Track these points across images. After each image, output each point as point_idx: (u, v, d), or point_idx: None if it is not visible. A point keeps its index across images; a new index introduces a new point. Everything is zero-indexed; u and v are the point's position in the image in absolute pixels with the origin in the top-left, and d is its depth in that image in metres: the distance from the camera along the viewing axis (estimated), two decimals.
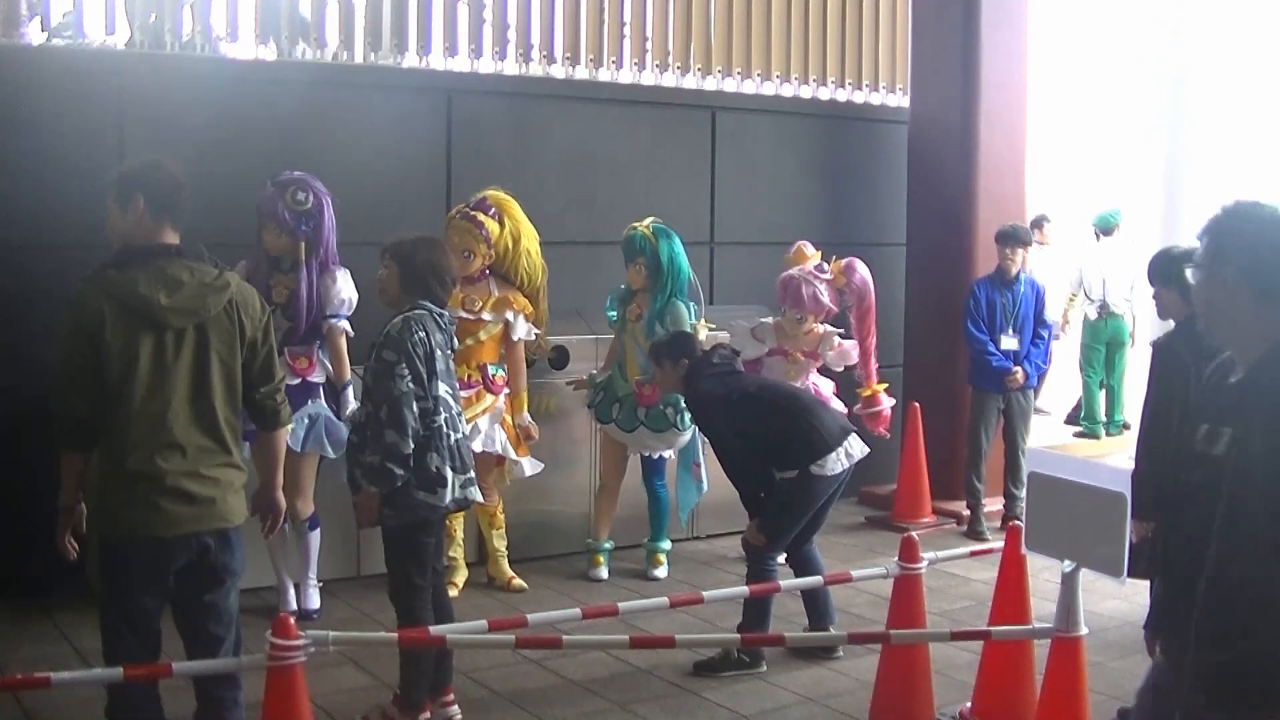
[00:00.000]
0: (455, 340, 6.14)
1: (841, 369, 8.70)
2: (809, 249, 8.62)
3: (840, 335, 8.61)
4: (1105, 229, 13.14)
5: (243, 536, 4.83)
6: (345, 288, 7.49)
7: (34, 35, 8.35)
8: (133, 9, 8.51)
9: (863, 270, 8.59)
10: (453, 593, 7.91)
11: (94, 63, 8.26)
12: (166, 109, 8.11)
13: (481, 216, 7.80)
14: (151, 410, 4.54)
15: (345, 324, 7.49)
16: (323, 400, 7.48)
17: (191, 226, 8.02)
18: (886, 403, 8.90)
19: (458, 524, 7.96)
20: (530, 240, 7.95)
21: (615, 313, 8.44)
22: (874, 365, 8.77)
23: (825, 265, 8.55)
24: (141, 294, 4.53)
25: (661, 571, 8.46)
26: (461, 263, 7.58)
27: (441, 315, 5.89)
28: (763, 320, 8.64)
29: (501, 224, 7.86)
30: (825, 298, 8.38)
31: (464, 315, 7.68)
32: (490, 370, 7.93)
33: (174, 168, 4.82)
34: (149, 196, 4.69)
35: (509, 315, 7.90)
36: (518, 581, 8.10)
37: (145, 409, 4.54)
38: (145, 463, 4.53)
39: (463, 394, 7.40)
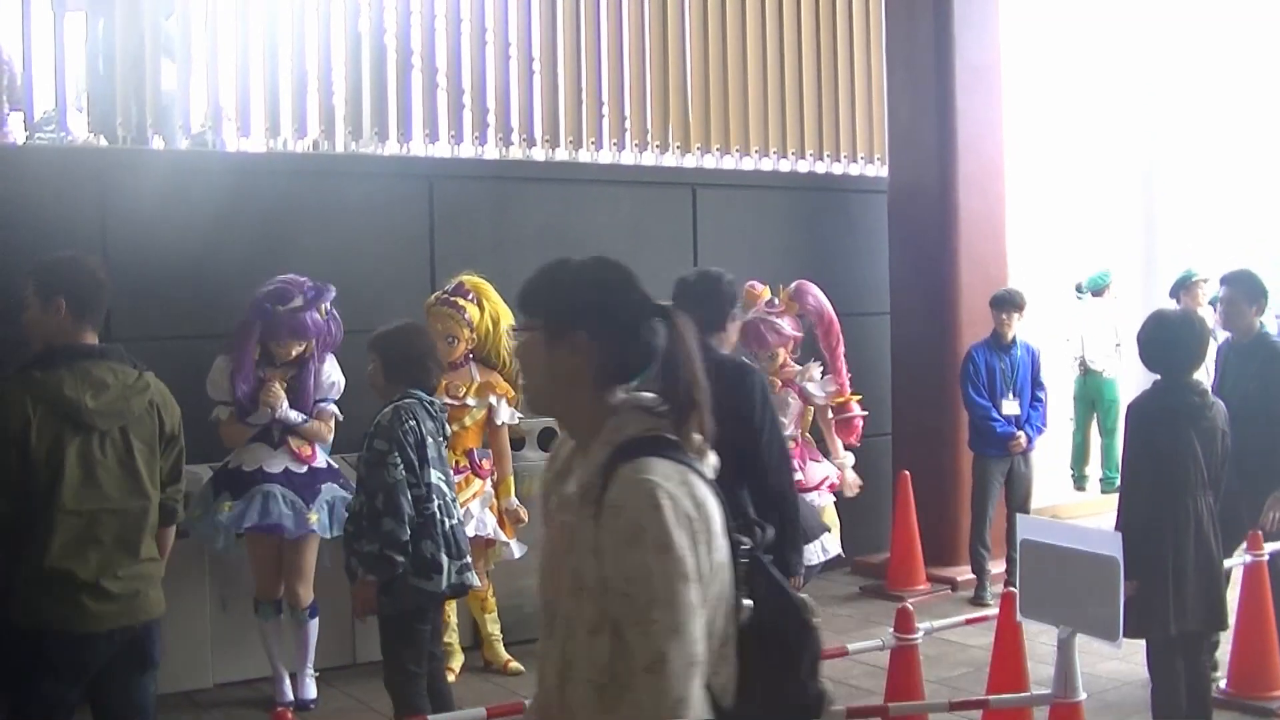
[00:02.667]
0: (447, 427, 6.17)
1: (824, 400, 8.80)
2: (757, 286, 8.89)
3: (820, 366, 8.95)
4: (1096, 290, 13.31)
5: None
6: (333, 372, 7.61)
7: (16, 133, 8.40)
8: (113, 106, 8.56)
9: (814, 291, 9.02)
10: (450, 678, 7.89)
11: (76, 159, 8.31)
12: (149, 204, 8.13)
13: (461, 301, 7.84)
14: (81, 510, 4.57)
15: (333, 408, 7.56)
16: (331, 483, 7.49)
17: (178, 317, 8.14)
18: (858, 411, 9.12)
19: (451, 609, 7.93)
20: (509, 321, 7.98)
21: None
22: (845, 376, 9.10)
23: (775, 299, 8.86)
24: (68, 396, 4.55)
25: None
26: (445, 348, 7.65)
27: (432, 403, 5.95)
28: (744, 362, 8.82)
29: (481, 308, 7.90)
30: (786, 329, 8.73)
31: (449, 401, 7.66)
32: (476, 455, 7.95)
33: (94, 264, 4.86)
34: (70, 298, 4.69)
35: (492, 400, 7.92)
36: (514, 664, 8.05)
37: (73, 509, 4.55)
38: (70, 561, 4.54)
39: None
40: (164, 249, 8.12)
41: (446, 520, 5.82)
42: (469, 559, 5.94)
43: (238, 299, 7.88)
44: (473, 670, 8.07)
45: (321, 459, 7.56)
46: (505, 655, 8.09)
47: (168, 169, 8.48)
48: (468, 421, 7.87)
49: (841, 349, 9.10)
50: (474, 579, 6.02)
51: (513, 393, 8.01)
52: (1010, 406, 9.60)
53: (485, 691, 7.53)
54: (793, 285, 8.96)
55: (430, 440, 5.83)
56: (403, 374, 5.90)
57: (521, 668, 8.00)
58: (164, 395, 4.87)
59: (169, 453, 4.86)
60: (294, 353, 7.46)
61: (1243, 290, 7.43)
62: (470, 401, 7.86)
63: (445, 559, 5.75)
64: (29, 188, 7.89)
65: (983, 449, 9.69)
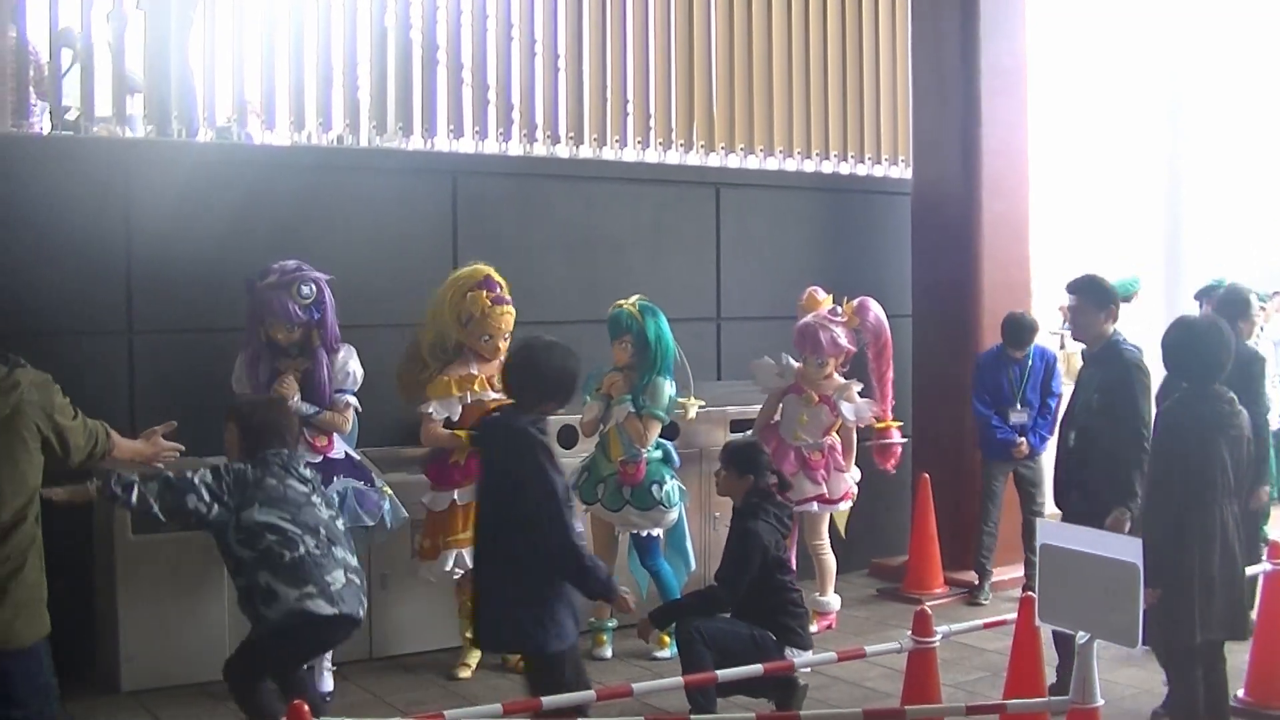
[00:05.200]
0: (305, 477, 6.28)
1: (854, 422, 8.79)
2: (820, 294, 8.99)
3: (859, 386, 8.91)
4: (1127, 297, 13.19)
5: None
6: (351, 362, 7.62)
7: (43, 124, 8.43)
8: (138, 99, 8.60)
9: (876, 309, 9.00)
10: (465, 674, 7.92)
11: (101, 151, 8.33)
12: (172, 196, 8.18)
13: (508, 296, 7.93)
14: None
15: (353, 399, 7.57)
16: (345, 476, 7.49)
17: (200, 309, 8.18)
18: (898, 439, 9.21)
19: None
20: None
21: (591, 396, 8.34)
22: (890, 402, 9.15)
23: (839, 308, 8.88)
24: None
25: (667, 653, 8.29)
26: (498, 347, 7.84)
27: (289, 458, 6.19)
28: (790, 360, 8.87)
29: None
30: (843, 340, 8.75)
31: (494, 396, 7.71)
32: None
33: None
34: None
35: None
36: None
37: None
38: None
39: None
40: (187, 241, 8.16)
41: (286, 553, 5.87)
42: (312, 589, 5.89)
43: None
44: (489, 668, 8.04)
45: (340, 449, 7.56)
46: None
47: (192, 162, 8.49)
48: None
49: (891, 373, 9.13)
50: (322, 606, 5.92)
51: None
52: (1018, 415, 9.57)
53: (503, 689, 7.50)
54: (856, 300, 8.95)
55: (274, 483, 5.98)
56: (257, 443, 6.11)
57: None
58: (38, 386, 4.71)
59: (64, 435, 4.75)
60: (282, 337, 7.41)
61: (1091, 297, 7.17)
62: None
63: (282, 588, 5.82)
64: (54, 179, 7.92)
65: (989, 454, 9.70)
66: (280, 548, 5.85)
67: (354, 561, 6.22)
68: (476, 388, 7.82)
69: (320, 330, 7.48)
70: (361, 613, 6.07)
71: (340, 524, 6.36)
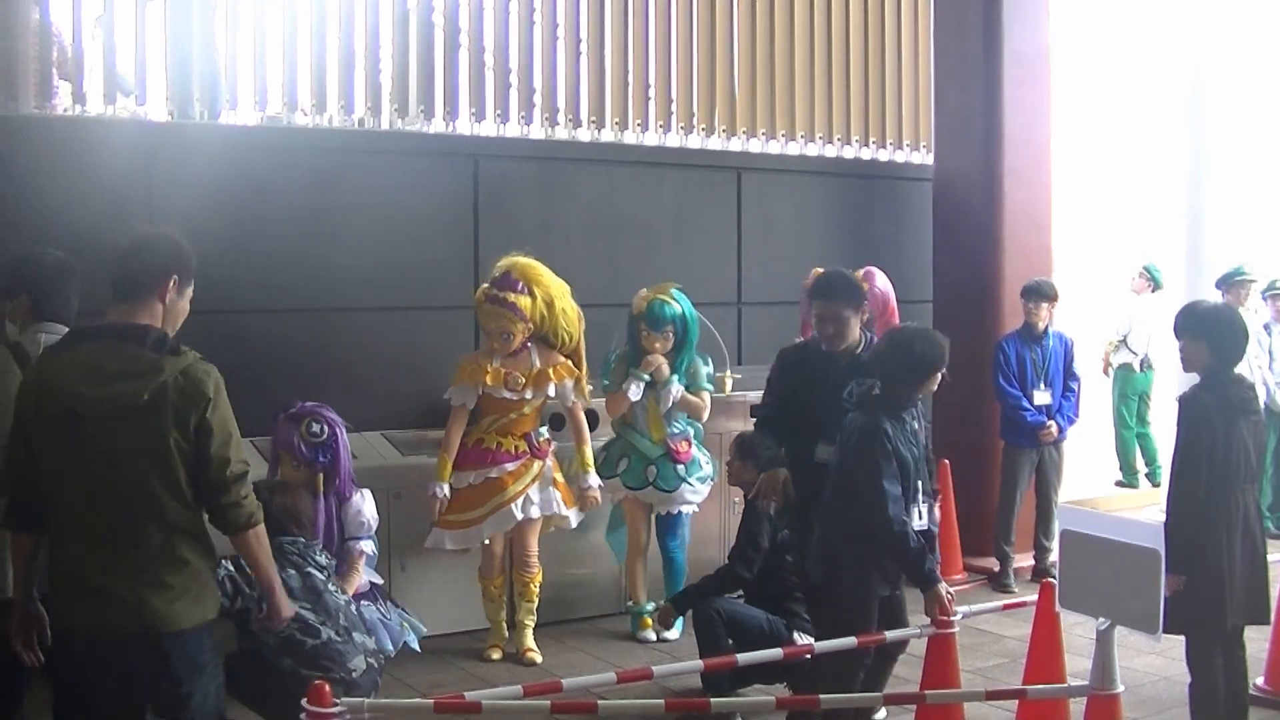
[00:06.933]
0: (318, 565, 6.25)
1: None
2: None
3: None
4: (1158, 283, 13.17)
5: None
6: (366, 509, 7.26)
7: (65, 104, 8.44)
8: (161, 80, 8.61)
9: (882, 279, 9.08)
10: (496, 655, 8.01)
11: (124, 132, 8.35)
12: (195, 177, 8.18)
13: (512, 296, 7.72)
14: (66, 501, 4.37)
15: (367, 544, 7.24)
16: (368, 602, 7.14)
17: (220, 291, 8.19)
18: None
19: (499, 587, 8.05)
20: (563, 298, 7.92)
21: (609, 379, 8.40)
22: None
23: None
24: (66, 380, 4.34)
25: (673, 634, 8.30)
26: (502, 344, 7.76)
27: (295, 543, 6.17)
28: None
29: (532, 295, 7.78)
30: None
31: (507, 395, 7.74)
32: (534, 437, 7.96)
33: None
34: (110, 273, 4.57)
35: (550, 390, 7.90)
36: (532, 654, 7.95)
37: (69, 500, 4.37)
38: (62, 555, 4.40)
39: (510, 466, 7.79)
40: (209, 223, 8.15)
41: (308, 640, 5.88)
42: (334, 676, 5.79)
43: (280, 274, 7.92)
44: (508, 652, 8.06)
45: (365, 580, 7.20)
46: (529, 644, 8.00)
47: (214, 142, 8.52)
48: (526, 410, 7.87)
49: None
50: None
51: (576, 371, 8.01)
52: (1042, 397, 9.58)
53: (521, 673, 7.55)
54: (862, 270, 8.92)
55: (293, 572, 5.98)
56: (273, 530, 5.69)
57: (539, 659, 7.91)
58: (192, 378, 4.41)
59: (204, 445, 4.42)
60: (293, 475, 7.06)
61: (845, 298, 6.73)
62: (528, 394, 7.83)
63: (304, 672, 5.68)
64: (77, 159, 7.94)
65: (1013, 438, 9.68)
66: (302, 635, 5.83)
67: (372, 644, 6.24)
68: (490, 380, 7.74)
69: (330, 475, 7.17)
70: (376, 692, 6.03)
71: (356, 610, 6.37)
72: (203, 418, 4.35)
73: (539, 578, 8.06)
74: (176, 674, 4.36)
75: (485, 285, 7.90)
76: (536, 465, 7.90)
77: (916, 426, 6.18)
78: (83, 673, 4.39)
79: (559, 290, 7.92)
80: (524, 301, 7.77)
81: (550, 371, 7.90)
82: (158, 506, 4.33)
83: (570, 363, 8.00)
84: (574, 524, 8.13)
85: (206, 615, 4.47)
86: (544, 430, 8.11)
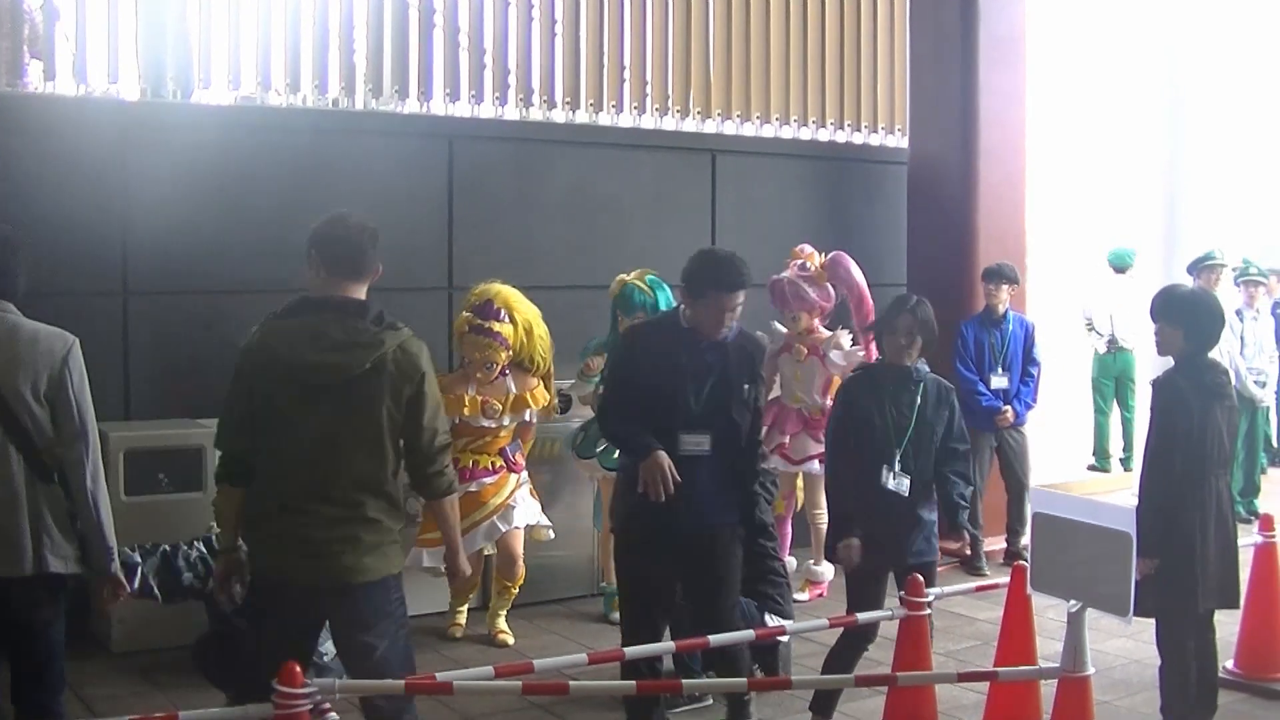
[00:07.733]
0: None
1: (844, 369, 8.75)
2: (807, 249, 9.05)
3: (849, 334, 8.97)
4: (1120, 267, 13.17)
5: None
6: None
7: (36, 82, 8.37)
8: (134, 59, 8.56)
9: (848, 263, 8.96)
10: (458, 632, 8.08)
11: (97, 111, 8.30)
12: (168, 156, 8.14)
13: (496, 325, 7.77)
14: (284, 459, 4.75)
15: None
16: None
17: (196, 271, 8.16)
18: None
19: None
20: (538, 323, 7.99)
21: (588, 370, 8.43)
22: (875, 355, 8.97)
23: (808, 264, 8.93)
24: (290, 346, 4.73)
25: None
26: (485, 374, 7.83)
27: None
28: (777, 325, 9.00)
29: (513, 321, 7.85)
30: (811, 294, 8.82)
31: (485, 424, 7.80)
32: (509, 452, 8.03)
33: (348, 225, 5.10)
34: (321, 252, 4.97)
35: (526, 416, 8.01)
36: (504, 636, 8.01)
37: (280, 457, 4.75)
38: (267, 507, 4.77)
39: (488, 480, 7.86)
40: (183, 202, 8.13)
41: None
42: None
43: (254, 253, 7.88)
44: (481, 635, 8.08)
45: None
46: (501, 626, 8.07)
47: (187, 121, 8.47)
48: (502, 433, 7.95)
49: (872, 322, 9.08)
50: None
51: (547, 397, 8.10)
52: (999, 381, 9.65)
53: (493, 654, 7.63)
54: (830, 255, 8.94)
55: None
56: None
57: (510, 641, 7.96)
58: (408, 353, 4.84)
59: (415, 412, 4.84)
60: None
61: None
62: (505, 421, 7.92)
63: None
64: (49, 139, 7.89)
65: (970, 422, 9.68)
66: None
67: None
68: (468, 411, 7.77)
69: None
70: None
71: None
72: (418, 390, 4.79)
73: (520, 582, 8.14)
74: (366, 620, 4.79)
75: (466, 314, 7.88)
76: (513, 479, 7.98)
77: (919, 400, 6.28)
78: (281, 615, 4.84)
79: (534, 315, 8.01)
80: (507, 330, 7.84)
81: (527, 397, 7.98)
82: (360, 469, 4.74)
83: (544, 386, 8.09)
84: (552, 535, 8.26)
85: (391, 569, 4.88)
86: (519, 448, 8.15)
